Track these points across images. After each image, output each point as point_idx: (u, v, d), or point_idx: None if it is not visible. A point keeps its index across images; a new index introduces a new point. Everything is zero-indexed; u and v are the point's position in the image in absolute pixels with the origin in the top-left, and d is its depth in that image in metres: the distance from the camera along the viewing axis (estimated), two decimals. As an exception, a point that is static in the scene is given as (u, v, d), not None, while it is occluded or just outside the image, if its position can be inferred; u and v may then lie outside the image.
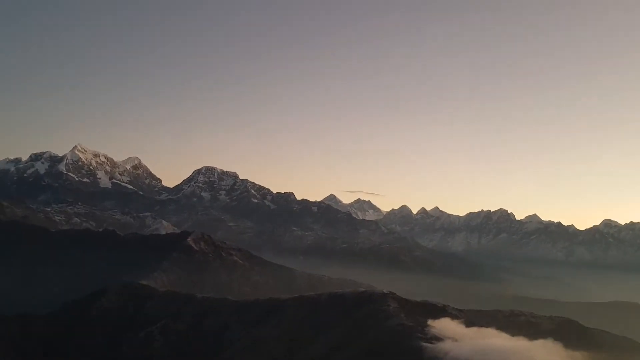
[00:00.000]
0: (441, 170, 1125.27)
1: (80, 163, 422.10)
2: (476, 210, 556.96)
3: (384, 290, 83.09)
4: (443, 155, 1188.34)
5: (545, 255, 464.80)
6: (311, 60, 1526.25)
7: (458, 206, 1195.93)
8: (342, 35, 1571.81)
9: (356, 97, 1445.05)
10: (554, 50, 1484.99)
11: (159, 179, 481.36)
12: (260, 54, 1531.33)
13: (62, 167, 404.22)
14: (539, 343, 63.15)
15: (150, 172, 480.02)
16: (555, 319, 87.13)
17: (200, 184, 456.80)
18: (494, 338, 64.76)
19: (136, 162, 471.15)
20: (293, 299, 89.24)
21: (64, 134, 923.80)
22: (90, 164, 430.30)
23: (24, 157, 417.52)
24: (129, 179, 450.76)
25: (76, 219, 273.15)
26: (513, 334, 66.82)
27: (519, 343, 62.55)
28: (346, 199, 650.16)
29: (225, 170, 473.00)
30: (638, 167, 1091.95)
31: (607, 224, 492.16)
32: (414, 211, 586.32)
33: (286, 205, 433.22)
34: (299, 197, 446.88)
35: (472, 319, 77.63)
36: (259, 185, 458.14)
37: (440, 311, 75.89)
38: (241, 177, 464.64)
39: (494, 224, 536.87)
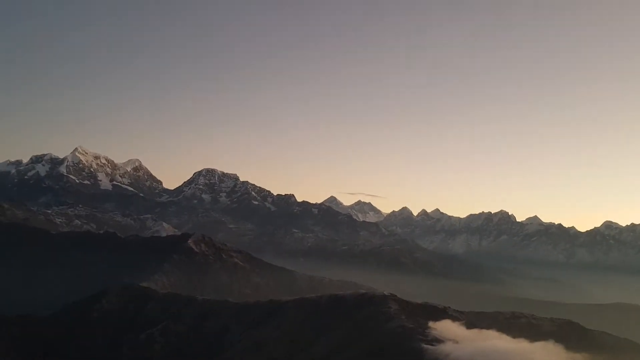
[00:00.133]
0: (442, 172, 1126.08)
1: (81, 165, 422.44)
2: (477, 212, 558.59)
3: (385, 292, 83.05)
4: (444, 157, 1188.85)
5: (546, 257, 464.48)
6: (312, 62, 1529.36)
7: (459, 208, 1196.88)
8: (343, 37, 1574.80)
9: (356, 99, 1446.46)
10: (555, 51, 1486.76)
11: (159, 181, 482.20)
12: (261, 55, 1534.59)
13: (62, 169, 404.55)
14: (540, 345, 63.03)
15: (151, 174, 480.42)
16: (556, 321, 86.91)
17: (201, 186, 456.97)
18: (494, 340, 64.66)
19: (137, 164, 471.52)
20: (294, 300, 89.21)
21: (64, 136, 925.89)
22: (91, 166, 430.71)
23: (25, 159, 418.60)
24: (129, 181, 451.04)
25: (77, 221, 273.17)
26: (514, 336, 66.71)
27: (520, 345, 62.46)
28: (347, 200, 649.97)
29: (225, 172, 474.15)
30: (639, 169, 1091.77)
31: (608, 225, 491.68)
32: (415, 213, 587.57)
33: (287, 207, 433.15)
34: (299, 199, 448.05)
35: (473, 320, 77.54)
36: (259, 187, 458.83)
37: (441, 313, 75.83)
38: (242, 179, 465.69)
39: (495, 225, 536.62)
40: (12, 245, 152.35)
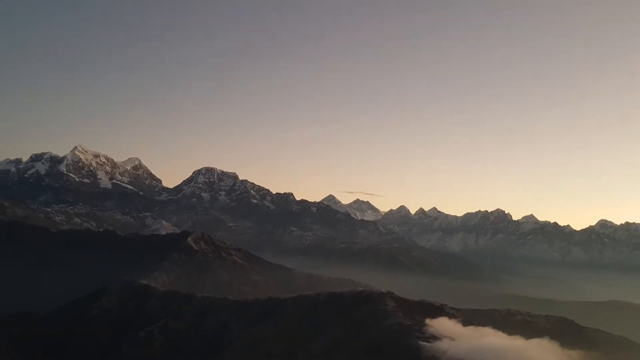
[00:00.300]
0: (439, 171, 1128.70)
1: (80, 164, 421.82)
2: (474, 211, 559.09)
3: (383, 290, 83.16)
4: (441, 157, 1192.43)
5: (541, 255, 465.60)
6: (311, 60, 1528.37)
7: (456, 207, 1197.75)
8: (342, 36, 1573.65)
9: (355, 99, 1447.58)
10: (551, 51, 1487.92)
11: (159, 179, 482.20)
12: (260, 54, 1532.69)
13: (62, 167, 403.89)
14: (535, 342, 63.26)
15: (151, 173, 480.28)
16: (552, 318, 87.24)
17: (200, 185, 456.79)
18: (490, 337, 64.86)
19: (136, 162, 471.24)
20: (292, 298, 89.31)
21: (64, 134, 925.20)
22: (91, 165, 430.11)
23: (25, 158, 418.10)
24: (129, 179, 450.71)
25: (77, 219, 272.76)
26: (510, 333, 66.92)
27: (516, 342, 62.65)
28: (345, 199, 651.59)
29: (225, 170, 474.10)
30: (634, 168, 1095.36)
31: (603, 224, 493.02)
32: (412, 212, 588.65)
33: (285, 206, 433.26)
34: (298, 197, 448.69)
35: (469, 318, 77.72)
36: (258, 185, 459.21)
37: (437, 310, 76.03)
38: (241, 177, 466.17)
39: (491, 224, 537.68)
40: (12, 243, 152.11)
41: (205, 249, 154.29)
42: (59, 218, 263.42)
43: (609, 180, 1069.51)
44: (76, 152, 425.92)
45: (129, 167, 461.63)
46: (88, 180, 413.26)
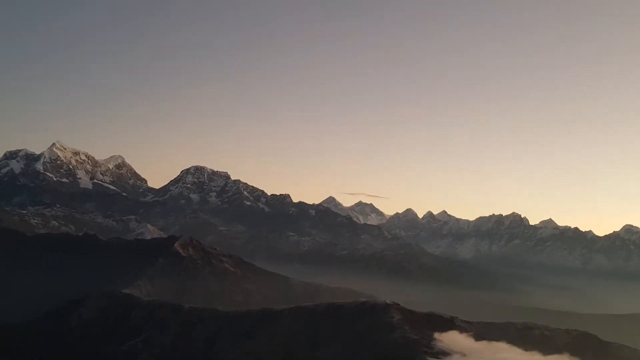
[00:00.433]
0: (449, 170, 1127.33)
1: (58, 162, 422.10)
2: (487, 215, 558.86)
3: (387, 301, 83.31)
4: (451, 155, 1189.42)
5: (561, 263, 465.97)
6: (310, 51, 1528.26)
7: (467, 210, 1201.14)
8: (347, 26, 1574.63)
9: (357, 92, 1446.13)
10: (570, 48, 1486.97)
11: (144, 179, 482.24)
12: (254, 44, 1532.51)
13: (39, 166, 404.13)
14: (554, 358, 63.29)
15: (135, 172, 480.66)
16: (572, 332, 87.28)
17: (189, 185, 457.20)
18: (505, 353, 64.93)
19: (119, 161, 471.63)
20: (288, 309, 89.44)
21: (41, 130, 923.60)
22: (70, 163, 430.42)
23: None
24: (111, 179, 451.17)
25: (54, 222, 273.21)
26: (526, 349, 66.98)
27: (533, 358, 62.73)
28: (346, 201, 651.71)
29: (215, 170, 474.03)
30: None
31: (629, 229, 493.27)
32: (420, 215, 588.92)
33: (281, 208, 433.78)
34: (295, 199, 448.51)
35: (482, 332, 77.76)
36: (252, 186, 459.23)
37: (447, 323, 76.11)
38: (233, 177, 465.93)
39: (506, 229, 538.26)
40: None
41: (193, 255, 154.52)
42: (35, 221, 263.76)
43: (635, 182, 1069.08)
44: (54, 149, 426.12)
45: (111, 166, 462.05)
46: (67, 180, 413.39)
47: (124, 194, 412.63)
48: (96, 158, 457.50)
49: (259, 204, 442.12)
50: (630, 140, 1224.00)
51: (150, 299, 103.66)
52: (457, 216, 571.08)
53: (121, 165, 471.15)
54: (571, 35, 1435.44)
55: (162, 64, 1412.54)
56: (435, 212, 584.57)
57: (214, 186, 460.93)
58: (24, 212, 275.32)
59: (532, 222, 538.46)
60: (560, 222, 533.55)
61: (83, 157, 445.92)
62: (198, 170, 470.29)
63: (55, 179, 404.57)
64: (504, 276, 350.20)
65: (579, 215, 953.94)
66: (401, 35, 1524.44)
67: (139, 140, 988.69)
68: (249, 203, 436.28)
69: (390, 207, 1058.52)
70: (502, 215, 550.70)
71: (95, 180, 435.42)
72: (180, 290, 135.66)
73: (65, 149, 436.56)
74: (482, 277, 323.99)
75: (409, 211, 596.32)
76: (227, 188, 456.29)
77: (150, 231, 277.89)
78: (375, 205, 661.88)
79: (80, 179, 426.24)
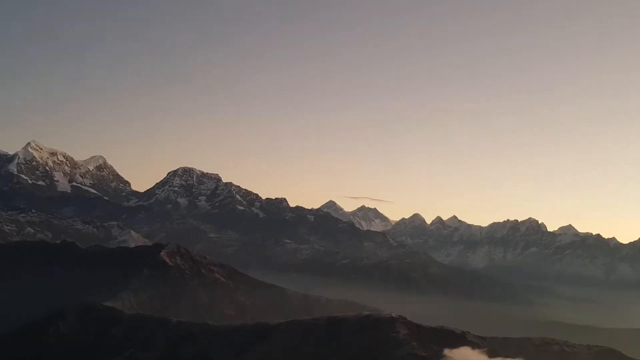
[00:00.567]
0: (460, 172, 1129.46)
1: (34, 163, 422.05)
2: (501, 220, 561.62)
3: (393, 314, 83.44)
4: (462, 156, 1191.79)
5: (582, 272, 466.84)
6: (310, 47, 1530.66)
7: (480, 215, 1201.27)
8: (352, 26, 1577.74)
9: (360, 90, 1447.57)
10: (586, 50, 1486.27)
11: (127, 181, 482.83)
12: (249, 39, 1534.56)
13: (12, 167, 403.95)
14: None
15: (117, 174, 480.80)
16: (594, 348, 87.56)
17: (176, 188, 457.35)
18: (521, 370, 64.94)
19: (100, 161, 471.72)
20: (285, 324, 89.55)
21: (15, 129, 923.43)
22: (46, 164, 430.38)
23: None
24: (91, 181, 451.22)
25: (29, 228, 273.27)
26: (544, 366, 66.99)
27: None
28: (348, 206, 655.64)
29: (205, 171, 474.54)
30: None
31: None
32: (428, 221, 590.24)
33: (277, 214, 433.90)
34: (292, 203, 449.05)
35: (496, 348, 77.86)
36: (245, 189, 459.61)
37: (458, 339, 76.17)
38: (224, 179, 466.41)
39: (522, 236, 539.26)
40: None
41: (181, 264, 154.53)
42: (9, 227, 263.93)
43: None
44: (29, 149, 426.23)
45: (91, 167, 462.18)
46: (43, 183, 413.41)
47: (106, 197, 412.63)
48: (75, 159, 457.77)
49: (253, 208, 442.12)
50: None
51: (134, 313, 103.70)
52: (469, 222, 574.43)
53: (102, 166, 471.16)
54: (600, 38, 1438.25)
55: (148, 57, 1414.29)
56: (444, 218, 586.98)
57: (203, 189, 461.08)
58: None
59: (550, 229, 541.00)
60: (581, 228, 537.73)
61: (61, 158, 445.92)
62: (186, 172, 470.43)
63: (30, 181, 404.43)
64: (520, 287, 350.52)
65: (601, 221, 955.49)
66: (401, 35, 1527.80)
67: (122, 139, 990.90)
68: (241, 208, 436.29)
69: (395, 212, 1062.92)
70: (517, 220, 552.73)
71: (74, 183, 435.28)
72: (167, 303, 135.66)
73: (41, 149, 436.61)
74: (496, 288, 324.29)
75: (416, 216, 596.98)
76: (217, 191, 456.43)
77: (134, 238, 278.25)
78: (379, 210, 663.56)
79: (57, 181, 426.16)
